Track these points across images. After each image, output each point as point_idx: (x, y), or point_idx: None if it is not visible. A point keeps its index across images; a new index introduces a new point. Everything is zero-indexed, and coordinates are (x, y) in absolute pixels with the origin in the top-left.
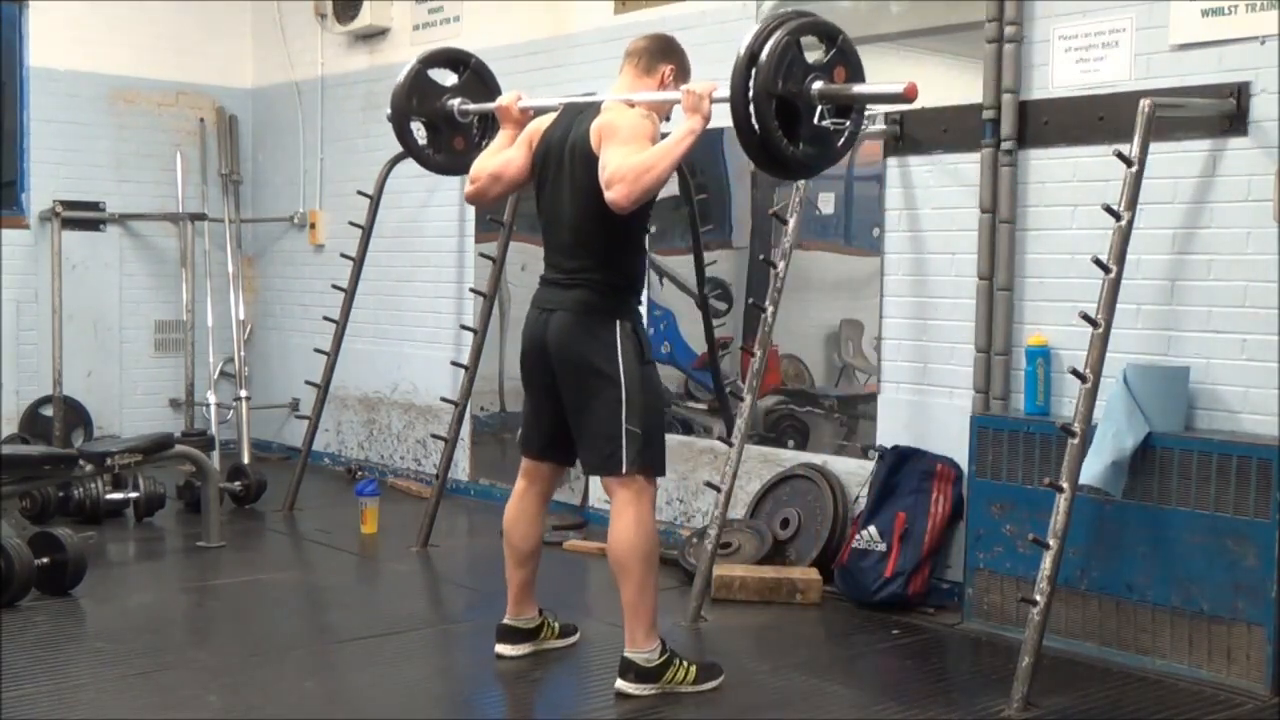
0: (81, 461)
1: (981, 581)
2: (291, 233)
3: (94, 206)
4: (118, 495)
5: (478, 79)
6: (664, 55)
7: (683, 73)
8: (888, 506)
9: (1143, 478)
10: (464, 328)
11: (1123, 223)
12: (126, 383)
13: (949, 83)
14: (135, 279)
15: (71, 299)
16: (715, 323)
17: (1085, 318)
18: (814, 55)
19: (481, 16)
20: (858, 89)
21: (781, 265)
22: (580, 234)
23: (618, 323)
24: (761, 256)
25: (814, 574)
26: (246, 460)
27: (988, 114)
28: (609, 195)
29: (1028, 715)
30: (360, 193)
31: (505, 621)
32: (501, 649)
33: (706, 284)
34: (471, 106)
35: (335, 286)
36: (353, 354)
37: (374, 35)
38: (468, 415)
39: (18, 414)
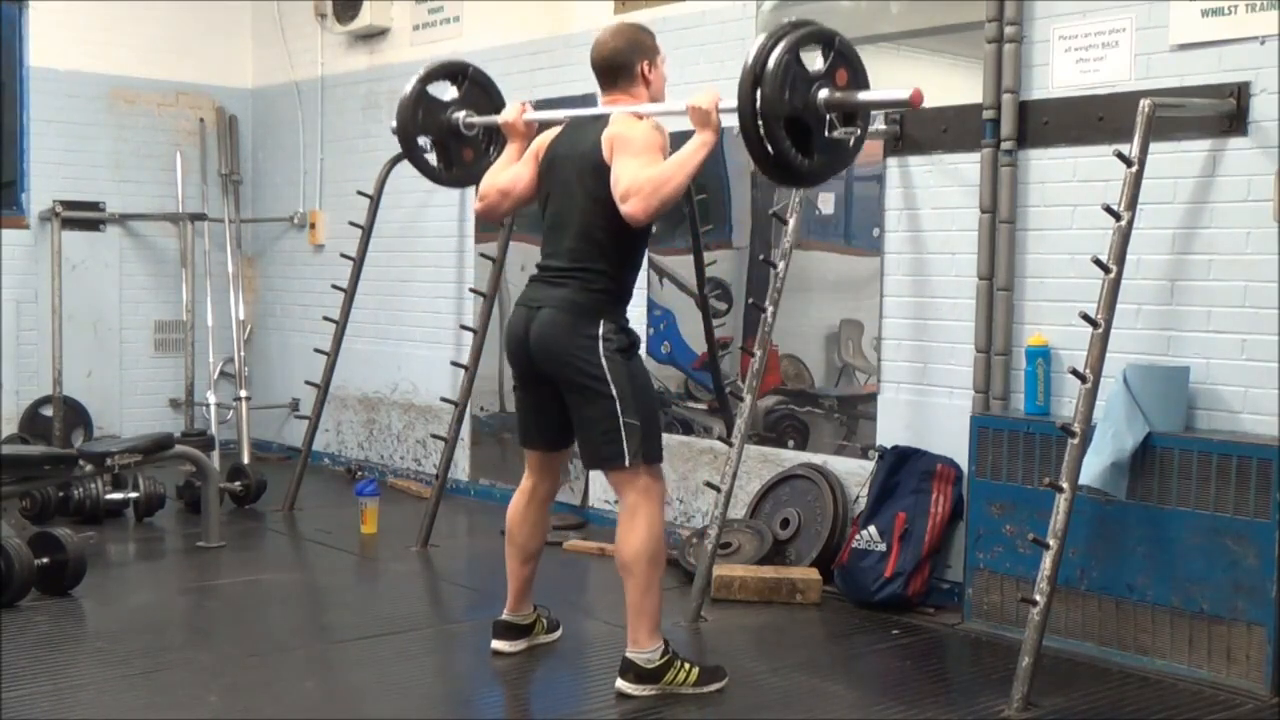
0: (81, 461)
1: (981, 581)
2: (291, 233)
3: (94, 206)
4: (118, 495)
5: (478, 88)
6: (631, 56)
7: (653, 52)
8: (888, 506)
9: (1143, 478)
10: (464, 328)
11: (1123, 223)
12: (126, 383)
13: (949, 83)
14: (135, 279)
15: (71, 299)
16: (715, 323)
17: (1085, 318)
18: (814, 54)
19: (481, 16)
20: (863, 96)
21: (781, 265)
22: (587, 240)
23: (601, 321)
24: (761, 256)
25: (814, 574)
26: (246, 460)
27: (988, 114)
28: (625, 208)
29: (1028, 715)
30: (360, 193)
31: (504, 618)
32: (498, 645)
33: (706, 284)
34: (477, 119)
35: (335, 286)
36: (353, 354)
37: (374, 35)
38: (468, 415)
39: (18, 414)
